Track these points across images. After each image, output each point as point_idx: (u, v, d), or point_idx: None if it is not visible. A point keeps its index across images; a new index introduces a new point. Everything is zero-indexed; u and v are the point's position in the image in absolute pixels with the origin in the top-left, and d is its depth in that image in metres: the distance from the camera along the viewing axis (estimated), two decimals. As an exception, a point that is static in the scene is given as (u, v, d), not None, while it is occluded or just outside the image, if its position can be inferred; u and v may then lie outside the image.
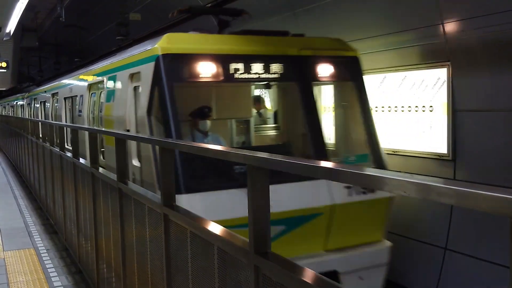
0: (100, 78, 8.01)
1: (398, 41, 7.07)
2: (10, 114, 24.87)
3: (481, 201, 1.11)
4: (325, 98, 7.82)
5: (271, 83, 6.66)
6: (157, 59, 5.44)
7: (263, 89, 8.12)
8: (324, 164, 1.74)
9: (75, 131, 6.60)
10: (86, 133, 6.68)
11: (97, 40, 20.60)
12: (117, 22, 14.29)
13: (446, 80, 6.46)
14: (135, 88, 6.30)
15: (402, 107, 7.22)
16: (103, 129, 7.21)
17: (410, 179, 1.30)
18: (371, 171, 1.48)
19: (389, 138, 7.26)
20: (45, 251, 7.50)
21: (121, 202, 4.03)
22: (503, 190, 1.09)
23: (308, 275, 1.79)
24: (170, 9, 7.35)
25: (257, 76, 5.87)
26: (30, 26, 21.74)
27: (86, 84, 9.20)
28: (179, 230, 2.89)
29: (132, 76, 6.36)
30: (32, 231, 8.70)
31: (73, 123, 10.35)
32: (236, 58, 5.75)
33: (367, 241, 5.88)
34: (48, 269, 6.61)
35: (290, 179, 5.02)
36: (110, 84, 7.35)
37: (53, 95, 13.12)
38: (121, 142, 4.26)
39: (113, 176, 4.23)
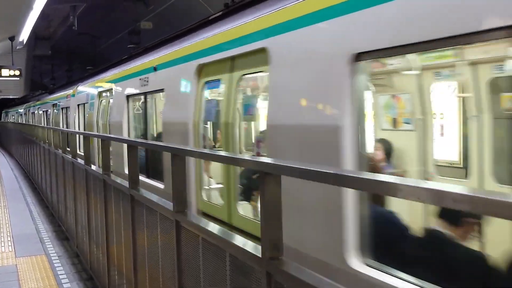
0: None
1: None
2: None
3: (496, 207, 1.11)
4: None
5: None
6: None
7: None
8: (336, 170, 1.73)
9: (87, 138, 6.65)
10: None
11: (109, 48, 20.79)
12: (129, 30, 14.43)
13: None
14: None
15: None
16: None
17: (425, 186, 1.29)
18: (384, 177, 1.47)
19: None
20: (56, 257, 7.54)
21: (133, 208, 4.05)
22: (518, 196, 1.08)
23: (321, 282, 1.78)
24: (180, 17, 7.33)
25: None
26: (43, 34, 21.98)
27: None
28: (190, 236, 2.90)
29: None
30: (44, 238, 8.75)
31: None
32: None
33: None
34: (60, 276, 6.63)
35: None
36: None
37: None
38: (132, 149, 4.29)
39: (125, 183, 4.25)
